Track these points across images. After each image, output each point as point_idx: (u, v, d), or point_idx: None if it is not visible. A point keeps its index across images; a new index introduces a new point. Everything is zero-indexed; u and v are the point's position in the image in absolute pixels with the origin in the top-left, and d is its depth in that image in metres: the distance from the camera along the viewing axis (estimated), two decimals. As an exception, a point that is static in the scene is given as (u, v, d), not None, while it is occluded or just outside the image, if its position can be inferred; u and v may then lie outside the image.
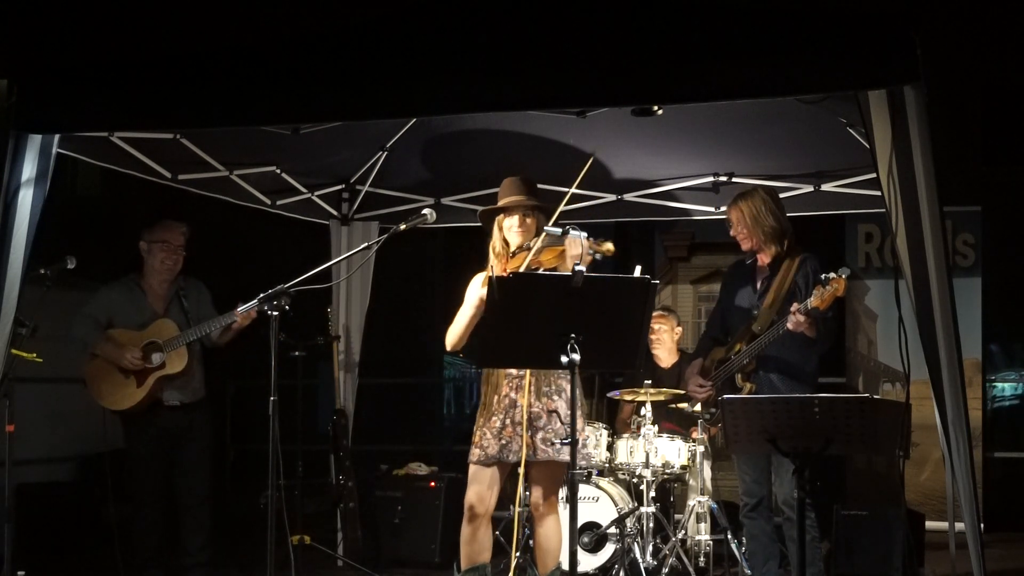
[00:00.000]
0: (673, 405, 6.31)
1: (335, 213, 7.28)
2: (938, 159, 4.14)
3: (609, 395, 6.65)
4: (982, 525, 4.43)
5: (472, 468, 4.68)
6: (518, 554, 5.55)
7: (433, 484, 6.87)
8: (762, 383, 5.18)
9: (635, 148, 6.22)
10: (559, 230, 4.47)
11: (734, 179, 6.56)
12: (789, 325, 4.97)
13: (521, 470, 4.60)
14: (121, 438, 5.83)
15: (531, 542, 5.14)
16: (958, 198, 7.58)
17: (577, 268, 3.89)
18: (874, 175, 4.29)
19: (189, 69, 4.78)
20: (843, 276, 4.81)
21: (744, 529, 5.44)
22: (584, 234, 4.43)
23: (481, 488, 4.65)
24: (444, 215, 6.31)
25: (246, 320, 5.50)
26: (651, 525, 6.00)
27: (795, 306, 4.96)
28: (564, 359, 3.84)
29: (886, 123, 4.20)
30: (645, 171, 6.71)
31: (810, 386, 5.16)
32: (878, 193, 4.30)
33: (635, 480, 6.17)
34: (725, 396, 4.33)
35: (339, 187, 7.17)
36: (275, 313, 4.61)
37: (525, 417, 4.57)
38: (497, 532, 6.07)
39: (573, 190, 4.81)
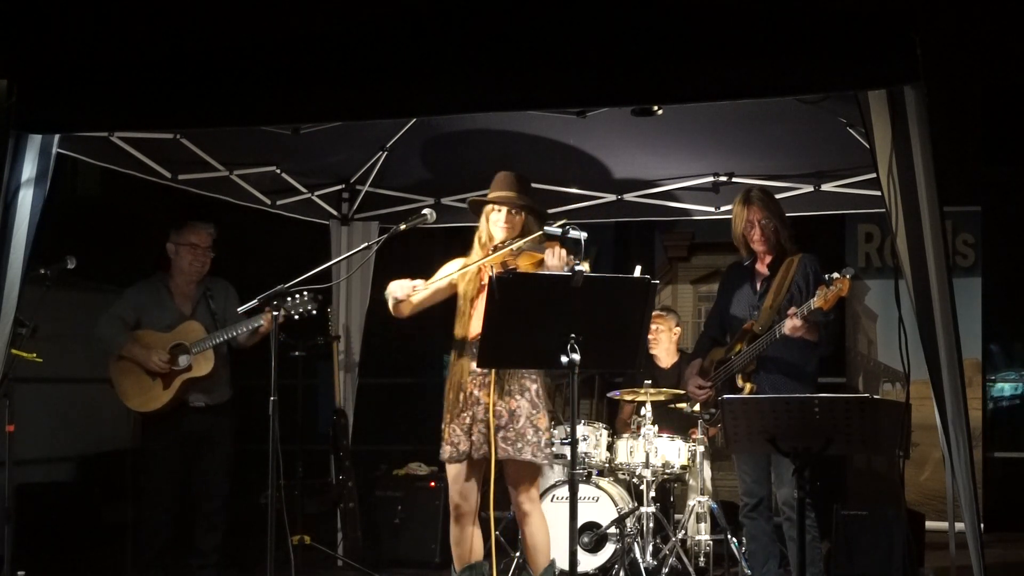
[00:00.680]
0: (673, 405, 6.31)
1: (335, 213, 7.28)
2: (938, 159, 4.14)
3: (609, 395, 6.65)
4: (982, 525, 4.43)
5: (450, 468, 4.71)
6: (517, 554, 5.56)
7: (433, 484, 6.87)
8: (763, 383, 5.18)
9: (635, 148, 6.22)
10: (559, 230, 4.47)
11: (734, 179, 6.56)
12: (785, 330, 4.96)
13: (492, 472, 4.58)
14: (128, 438, 5.83)
15: (520, 542, 5.12)
16: (958, 198, 7.57)
17: (577, 268, 3.89)
18: (874, 175, 4.29)
19: (189, 69, 4.78)
20: (847, 276, 4.82)
21: (744, 529, 5.44)
22: (584, 234, 4.43)
23: (461, 486, 4.68)
24: (444, 215, 6.31)
25: (271, 323, 5.48)
26: (651, 525, 6.00)
27: (792, 309, 4.96)
28: (564, 359, 3.84)
29: (886, 123, 4.20)
30: (645, 171, 6.71)
31: (811, 387, 5.16)
32: (878, 193, 4.30)
33: (635, 480, 6.17)
34: (725, 396, 4.34)
35: (339, 187, 7.17)
36: (276, 313, 4.60)
37: (492, 416, 4.58)
38: (497, 532, 6.07)
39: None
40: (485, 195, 4.84)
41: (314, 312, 5.55)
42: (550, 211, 6.92)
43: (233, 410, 5.83)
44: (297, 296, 5.44)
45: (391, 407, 9.62)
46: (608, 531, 5.99)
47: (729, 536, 5.88)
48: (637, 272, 4.18)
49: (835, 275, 4.83)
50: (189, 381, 5.61)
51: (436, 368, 11.54)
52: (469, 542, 4.74)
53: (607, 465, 6.31)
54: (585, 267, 4.37)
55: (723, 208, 6.75)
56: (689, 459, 6.18)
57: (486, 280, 4.60)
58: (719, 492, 6.55)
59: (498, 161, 6.12)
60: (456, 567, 4.78)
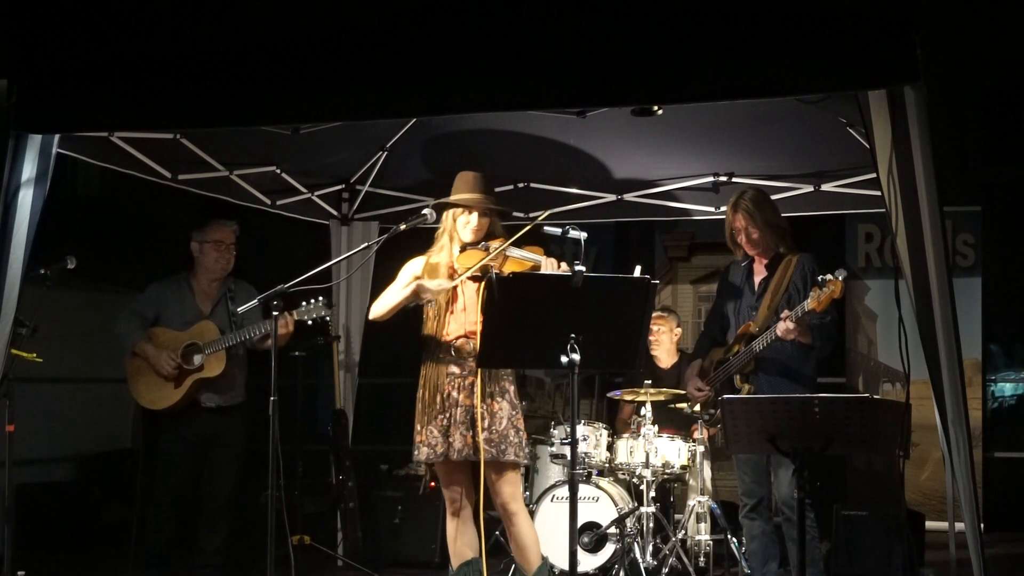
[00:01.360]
0: (673, 405, 6.31)
1: (335, 213, 7.28)
2: (938, 159, 4.14)
3: (609, 395, 6.65)
4: (982, 525, 4.43)
5: (437, 467, 4.72)
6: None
7: (433, 484, 6.87)
8: (761, 384, 5.18)
9: (635, 148, 6.22)
10: (558, 231, 4.47)
11: (734, 179, 6.56)
12: (778, 332, 4.96)
13: (482, 474, 4.58)
14: (128, 438, 5.83)
15: (509, 544, 5.11)
16: (958, 198, 7.58)
17: (577, 268, 3.89)
18: (874, 175, 4.29)
19: (189, 69, 4.78)
20: (840, 278, 4.81)
21: (744, 530, 5.44)
22: (584, 234, 4.43)
23: (451, 483, 4.70)
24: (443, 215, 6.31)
25: (284, 328, 5.51)
26: (651, 525, 6.00)
27: (785, 312, 4.95)
28: (564, 359, 3.84)
29: (886, 123, 4.20)
30: (645, 171, 6.71)
31: (808, 388, 5.16)
32: (878, 193, 4.30)
33: (635, 480, 6.17)
34: (725, 396, 4.33)
35: (339, 187, 7.17)
36: (276, 313, 4.60)
37: (470, 418, 4.58)
38: (497, 532, 6.08)
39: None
40: (451, 199, 4.79)
41: (327, 318, 5.57)
42: (550, 211, 6.95)
43: (247, 412, 5.82)
44: (313, 301, 5.48)
45: (391, 407, 9.62)
46: (608, 531, 5.99)
47: (729, 536, 5.88)
48: (637, 272, 4.18)
49: (828, 277, 4.82)
50: (201, 381, 5.61)
51: (436, 368, 11.55)
52: (465, 538, 4.74)
53: (607, 465, 6.31)
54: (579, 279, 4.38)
55: (723, 208, 6.70)
56: (689, 459, 6.18)
57: (456, 282, 4.63)
58: (719, 492, 6.55)
59: (498, 161, 6.14)
60: (452, 564, 4.78)
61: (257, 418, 5.07)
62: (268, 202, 6.87)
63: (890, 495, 7.27)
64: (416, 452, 4.69)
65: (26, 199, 4.86)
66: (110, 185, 9.18)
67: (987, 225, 8.16)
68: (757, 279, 5.33)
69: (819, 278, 4.85)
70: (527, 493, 6.25)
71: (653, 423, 6.12)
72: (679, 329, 7.00)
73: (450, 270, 4.69)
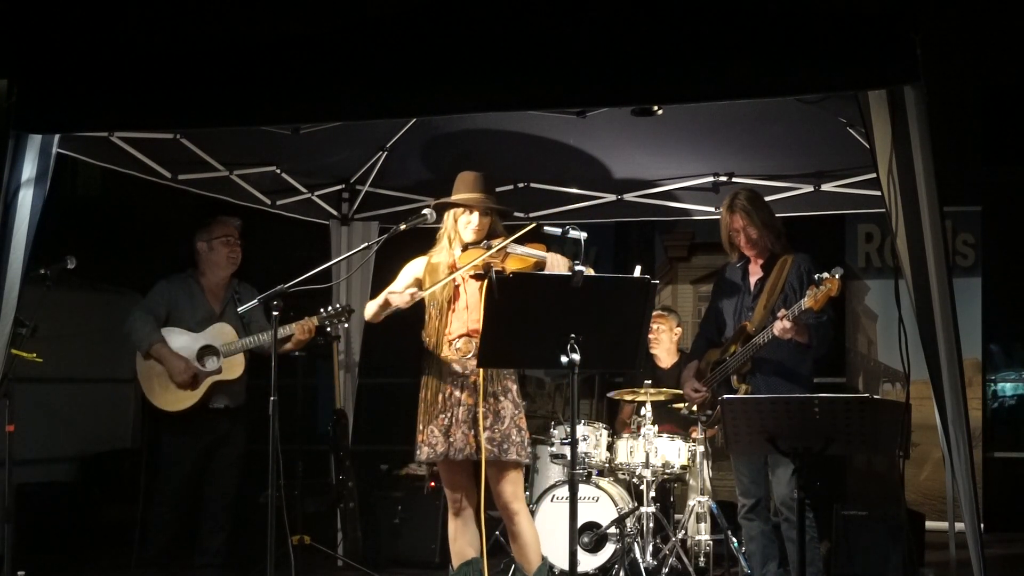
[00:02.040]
0: (672, 405, 6.31)
1: (335, 213, 7.28)
2: (938, 159, 4.14)
3: (609, 395, 6.65)
4: (982, 525, 4.43)
5: (440, 465, 4.72)
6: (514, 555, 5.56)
7: (433, 484, 6.87)
8: (758, 384, 5.17)
9: (635, 148, 6.22)
10: (558, 230, 4.47)
11: (734, 179, 6.56)
12: (775, 331, 4.95)
13: (483, 472, 4.59)
14: (128, 438, 5.82)
15: (510, 544, 5.11)
16: (958, 198, 7.57)
17: (577, 268, 3.89)
18: (874, 175, 4.29)
19: (189, 69, 4.78)
20: (836, 276, 4.80)
21: (743, 530, 5.44)
22: (584, 234, 4.43)
23: (453, 482, 4.70)
24: (444, 215, 6.31)
25: (304, 334, 5.52)
26: (651, 525, 6.00)
27: (782, 312, 4.95)
28: (564, 359, 3.84)
29: (886, 123, 4.20)
30: (645, 171, 6.71)
31: (805, 388, 5.15)
32: (878, 193, 4.30)
33: (635, 480, 6.17)
34: (725, 396, 4.33)
35: (339, 187, 7.17)
36: (276, 313, 4.60)
37: (472, 418, 4.58)
38: (497, 532, 6.08)
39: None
40: (452, 199, 4.78)
41: (347, 325, 5.59)
42: (550, 211, 6.96)
43: (248, 413, 5.83)
44: (331, 308, 5.52)
45: (391, 407, 9.62)
46: (608, 531, 5.99)
47: (729, 536, 5.88)
48: (637, 272, 4.18)
49: (824, 275, 4.81)
50: (217, 383, 5.62)
51: (436, 368, 11.56)
52: (467, 537, 4.74)
53: (607, 465, 6.31)
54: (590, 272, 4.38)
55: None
56: (689, 459, 6.18)
57: (460, 281, 4.63)
58: (719, 492, 6.54)
59: (498, 161, 6.14)
60: (453, 563, 4.78)
61: (257, 418, 5.07)
62: (268, 202, 6.87)
63: (890, 495, 7.26)
64: (418, 452, 4.69)
65: (26, 199, 4.86)
66: (110, 185, 9.19)
67: (987, 225, 8.16)
68: (753, 279, 5.32)
69: (816, 276, 4.85)
70: (527, 493, 6.24)
71: (653, 423, 6.12)
72: (679, 329, 7.00)
73: (451, 270, 4.69)
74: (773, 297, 5.17)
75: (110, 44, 4.93)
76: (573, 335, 3.84)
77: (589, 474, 6.25)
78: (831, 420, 4.10)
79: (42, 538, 7.10)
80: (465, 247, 4.72)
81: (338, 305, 5.64)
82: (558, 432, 6.30)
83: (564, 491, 6.01)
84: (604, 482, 6.20)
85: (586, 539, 6.01)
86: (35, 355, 5.26)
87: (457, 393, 4.63)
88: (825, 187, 6.49)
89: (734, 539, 5.81)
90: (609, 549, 6.02)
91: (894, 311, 4.35)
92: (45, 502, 7.44)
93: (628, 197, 6.95)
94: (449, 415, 4.62)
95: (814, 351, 5.14)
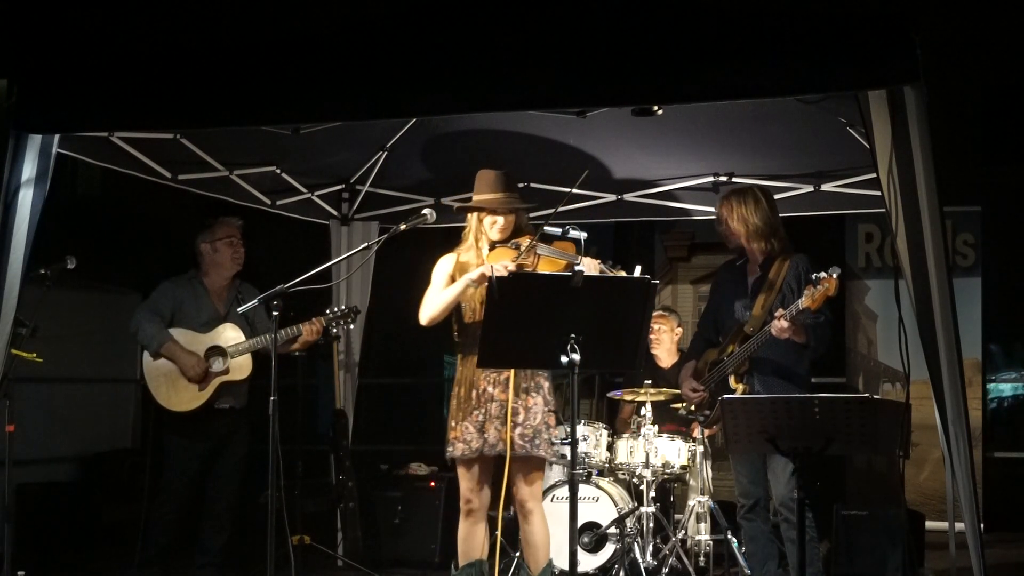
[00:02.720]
0: (672, 405, 6.31)
1: (335, 213, 7.28)
2: (938, 159, 4.14)
3: (609, 395, 6.65)
4: (982, 525, 4.43)
5: (461, 464, 4.70)
6: (518, 554, 5.56)
7: (433, 484, 6.87)
8: (755, 384, 5.17)
9: (635, 148, 6.22)
10: (559, 230, 4.48)
11: (734, 179, 6.56)
12: (772, 331, 4.95)
13: (507, 468, 4.59)
14: (127, 438, 5.82)
15: (520, 541, 5.13)
16: (958, 198, 7.57)
17: (577, 268, 3.89)
18: (874, 175, 4.30)
19: (189, 69, 4.78)
20: (834, 276, 4.80)
21: (742, 530, 5.44)
22: (584, 234, 4.44)
23: (474, 482, 4.68)
24: (444, 215, 6.30)
25: (311, 335, 5.53)
26: (651, 525, 6.00)
27: (779, 311, 4.95)
28: (564, 359, 3.84)
29: (886, 123, 4.20)
30: (645, 171, 6.71)
31: (803, 388, 5.15)
32: (878, 193, 4.30)
33: (635, 480, 6.17)
34: (724, 396, 4.33)
35: (339, 187, 7.17)
36: (276, 313, 4.61)
37: (507, 413, 4.58)
38: (497, 532, 6.07)
39: (573, 190, 4.83)
40: (475, 203, 4.78)
41: (352, 326, 5.61)
42: (551, 211, 6.95)
43: (250, 413, 5.84)
44: (337, 309, 5.55)
45: (391, 407, 9.62)
46: (608, 531, 5.99)
47: (729, 536, 5.88)
48: (637, 272, 4.18)
49: (822, 274, 4.82)
50: (224, 384, 5.62)
51: (436, 368, 11.53)
52: (477, 539, 4.75)
53: (607, 465, 6.31)
54: (622, 273, 4.39)
55: (720, 209, 6.74)
56: (689, 459, 6.18)
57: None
58: (719, 492, 6.54)
59: (498, 161, 6.13)
60: (459, 563, 4.78)
61: (258, 418, 5.07)
62: (268, 202, 6.87)
63: (890, 495, 7.26)
64: (450, 448, 4.68)
65: (26, 199, 4.86)
66: (110, 185, 9.18)
67: (987, 225, 8.16)
68: (751, 279, 5.33)
69: (813, 276, 4.85)
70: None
71: (653, 423, 6.12)
72: (680, 329, 7.00)
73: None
74: (771, 297, 5.17)
75: (110, 44, 4.93)
76: (573, 335, 3.84)
77: (589, 474, 6.26)
78: (831, 420, 4.10)
79: (42, 538, 7.10)
80: (493, 246, 4.72)
81: (343, 307, 5.65)
82: (558, 432, 6.29)
83: (564, 491, 6.01)
84: (604, 482, 6.20)
85: (586, 539, 6.01)
86: (35, 355, 5.26)
87: (490, 389, 4.64)
88: (825, 187, 6.49)
89: (734, 539, 5.81)
90: (609, 549, 6.03)
91: (894, 311, 4.35)
92: (45, 502, 7.44)
93: (628, 197, 6.95)
94: (483, 411, 4.63)
95: (812, 351, 5.14)
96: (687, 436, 6.26)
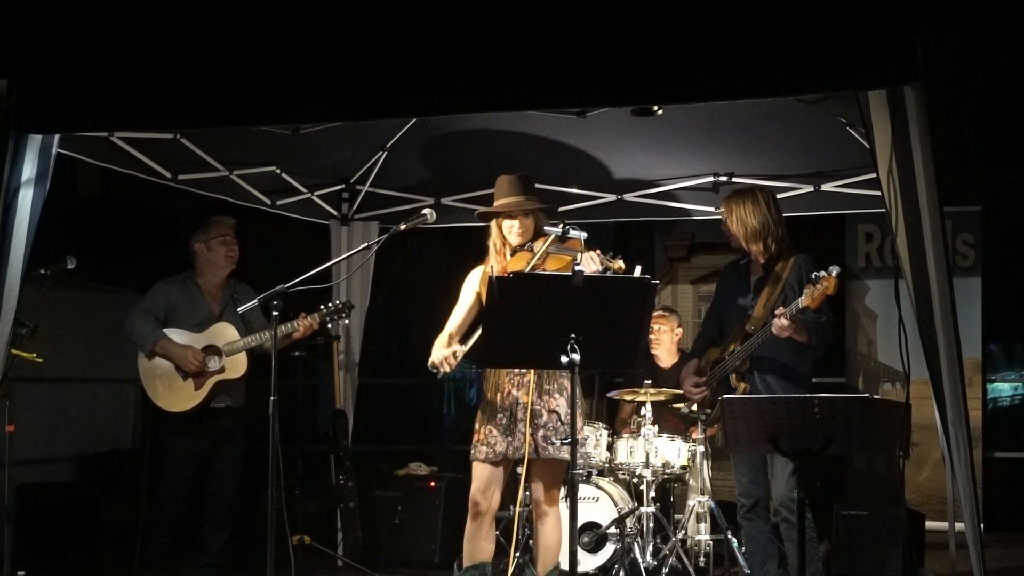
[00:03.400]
0: (672, 405, 6.31)
1: (335, 213, 7.29)
2: (938, 159, 4.14)
3: (609, 395, 6.65)
4: (982, 525, 4.43)
5: (476, 465, 4.69)
6: (518, 554, 5.56)
7: (433, 484, 6.87)
8: (756, 384, 5.18)
9: (635, 148, 6.23)
10: (558, 229, 4.48)
11: (734, 179, 6.57)
12: (774, 329, 4.96)
13: (523, 469, 4.61)
14: (127, 438, 5.82)
15: (531, 541, 5.15)
16: (958, 198, 7.58)
17: (577, 268, 3.89)
18: (874, 175, 4.30)
19: (189, 69, 4.78)
20: (833, 275, 4.81)
21: (742, 530, 5.44)
22: (584, 234, 4.45)
23: (485, 485, 4.67)
24: (444, 215, 6.31)
25: (307, 331, 5.53)
26: (651, 525, 6.00)
27: (780, 309, 4.95)
28: (564, 359, 3.84)
29: (886, 123, 4.20)
30: (645, 171, 6.71)
31: (804, 388, 5.16)
32: (878, 193, 4.30)
33: (635, 480, 6.17)
34: (725, 396, 4.33)
35: (339, 187, 7.17)
36: (276, 313, 4.61)
37: (528, 415, 4.58)
38: (497, 532, 6.07)
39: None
40: (493, 208, 4.80)
41: (347, 321, 5.62)
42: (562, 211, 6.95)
43: (248, 413, 5.84)
44: (330, 304, 5.55)
45: (391, 407, 9.63)
46: (608, 531, 5.99)
47: (729, 536, 5.88)
48: (637, 272, 4.18)
49: (821, 273, 4.82)
50: (220, 383, 5.62)
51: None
52: (482, 540, 4.75)
53: (607, 465, 6.31)
54: (620, 264, 4.41)
55: (721, 210, 6.75)
56: (689, 459, 6.18)
57: None
58: (719, 492, 6.55)
59: (498, 161, 6.14)
60: (464, 563, 4.78)
61: (258, 418, 5.07)
62: (268, 202, 6.88)
63: (890, 495, 7.26)
64: (473, 451, 4.69)
65: (26, 199, 4.86)
66: (110, 185, 9.18)
67: (987, 225, 8.16)
68: (753, 279, 5.33)
69: (813, 275, 4.86)
70: (527, 492, 6.25)
71: (653, 423, 6.12)
72: (680, 329, 7.01)
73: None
74: (773, 297, 5.17)
75: (110, 44, 4.92)
76: (573, 335, 3.84)
77: (589, 474, 6.25)
78: (831, 420, 4.10)
79: (42, 538, 7.10)
80: (514, 251, 4.73)
81: (339, 301, 5.66)
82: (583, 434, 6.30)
83: (564, 491, 6.01)
84: (604, 482, 6.20)
85: (586, 539, 6.01)
86: (35, 355, 5.26)
87: (515, 392, 4.65)
88: (825, 187, 6.50)
89: (734, 539, 5.81)
90: (609, 549, 6.03)
91: (894, 311, 4.35)
92: (45, 502, 7.44)
93: (628, 197, 6.95)
94: (507, 414, 4.64)
95: (813, 350, 5.14)
96: (687, 437, 6.25)
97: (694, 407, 5.77)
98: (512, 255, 4.73)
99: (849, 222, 8.21)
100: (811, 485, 4.33)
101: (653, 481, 6.07)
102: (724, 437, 4.36)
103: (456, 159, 6.54)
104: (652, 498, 6.04)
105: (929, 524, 6.75)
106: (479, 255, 4.90)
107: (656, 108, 5.13)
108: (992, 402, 8.78)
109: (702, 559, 6.13)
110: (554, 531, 4.75)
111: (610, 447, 6.32)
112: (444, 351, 4.63)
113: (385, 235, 4.94)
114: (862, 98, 4.24)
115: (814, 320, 5.00)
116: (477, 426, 4.71)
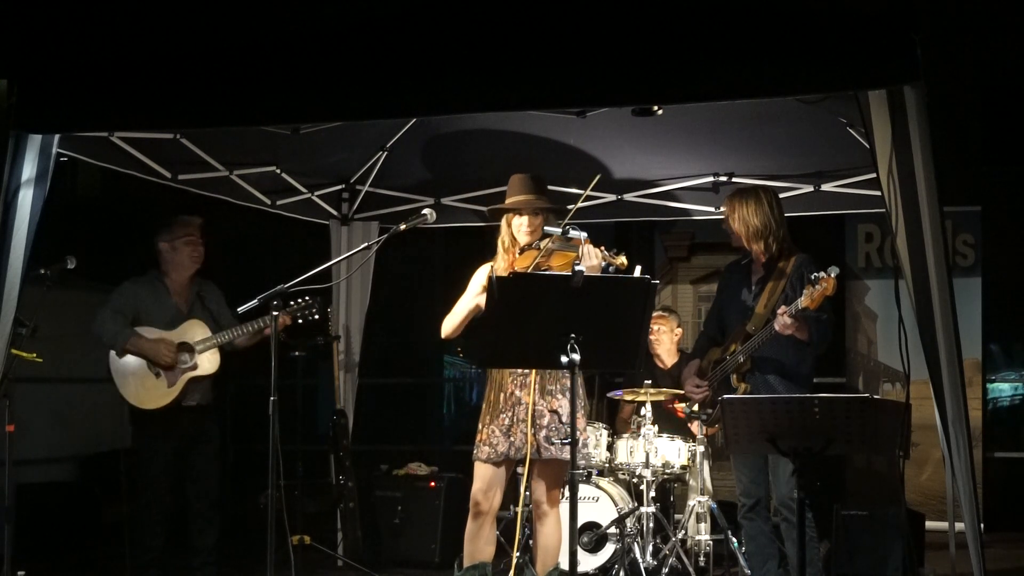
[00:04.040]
0: (674, 405, 6.31)
1: (335, 213, 7.29)
2: (938, 159, 4.14)
3: (609, 395, 6.65)
4: (982, 525, 4.43)
5: (478, 465, 4.70)
6: (518, 554, 5.56)
7: (433, 484, 6.88)
8: (757, 383, 5.18)
9: (635, 148, 6.23)
10: (558, 229, 4.49)
11: (734, 179, 6.57)
12: (776, 327, 4.97)
13: (525, 469, 4.62)
14: (127, 438, 5.82)
15: (531, 541, 5.15)
16: (958, 198, 7.58)
17: (577, 268, 3.89)
18: (874, 175, 4.29)
19: (189, 69, 4.78)
20: (832, 275, 4.82)
21: (742, 530, 5.44)
22: (584, 234, 4.45)
23: (487, 485, 4.68)
24: (444, 215, 6.32)
25: (281, 326, 5.54)
26: (651, 525, 6.00)
27: (782, 308, 4.96)
28: (564, 359, 3.84)
29: (886, 123, 4.20)
30: (645, 171, 6.71)
31: (805, 387, 5.16)
32: (878, 193, 4.30)
33: (635, 480, 6.17)
34: (725, 396, 4.33)
35: (339, 187, 7.17)
36: (275, 313, 4.61)
37: (530, 415, 4.58)
38: (497, 532, 6.07)
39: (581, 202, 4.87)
40: (503, 204, 4.83)
41: (317, 316, 5.63)
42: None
43: (219, 409, 5.85)
44: (300, 300, 5.53)
45: (391, 407, 9.63)
46: (608, 531, 5.99)
47: (729, 536, 5.88)
48: (637, 272, 4.18)
49: (820, 274, 4.83)
50: (192, 380, 5.62)
51: (436, 368, 11.53)
52: (483, 540, 4.75)
53: (607, 465, 6.31)
54: (623, 259, 4.42)
55: (723, 208, 6.74)
56: (689, 459, 6.18)
57: None
58: (719, 492, 6.55)
59: (498, 161, 6.14)
60: (464, 563, 4.78)
61: (252, 417, 5.07)
62: (268, 202, 6.87)
63: (890, 495, 7.26)
64: (476, 451, 4.70)
65: (26, 199, 4.86)
66: (110, 185, 9.18)
67: (987, 225, 8.16)
68: (755, 278, 5.33)
69: (812, 276, 4.87)
70: (527, 492, 6.25)
71: (653, 423, 6.12)
72: (680, 329, 7.00)
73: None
74: (774, 297, 5.18)
75: (110, 44, 4.91)
76: (573, 335, 3.84)
77: (589, 474, 6.25)
78: (831, 420, 4.10)
79: (42, 538, 7.10)
80: (522, 250, 4.73)
81: (307, 297, 5.64)
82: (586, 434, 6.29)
83: (564, 491, 6.01)
84: (604, 482, 6.20)
85: (586, 539, 6.01)
86: (35, 355, 5.26)
87: (518, 392, 4.66)
88: (825, 187, 6.50)
89: (734, 539, 5.81)
90: (609, 549, 6.03)
91: (894, 311, 4.35)
92: (45, 502, 7.44)
93: (628, 197, 6.95)
94: (510, 414, 4.65)
95: (813, 348, 5.15)
96: (687, 437, 6.25)
97: (695, 407, 5.77)
98: (520, 253, 4.74)
99: (849, 222, 8.21)
100: (811, 485, 4.32)
101: (653, 481, 6.07)
102: (724, 437, 4.36)
103: (456, 159, 6.54)
104: (652, 498, 6.04)
105: (929, 524, 6.75)
106: (479, 255, 4.90)
107: (656, 108, 5.13)
108: (992, 402, 8.79)
109: (702, 559, 6.13)
110: (554, 531, 4.76)
111: (610, 447, 6.32)
112: None
113: (385, 235, 4.94)
114: (862, 98, 4.24)
115: (815, 317, 5.01)
116: (480, 426, 4.71)
